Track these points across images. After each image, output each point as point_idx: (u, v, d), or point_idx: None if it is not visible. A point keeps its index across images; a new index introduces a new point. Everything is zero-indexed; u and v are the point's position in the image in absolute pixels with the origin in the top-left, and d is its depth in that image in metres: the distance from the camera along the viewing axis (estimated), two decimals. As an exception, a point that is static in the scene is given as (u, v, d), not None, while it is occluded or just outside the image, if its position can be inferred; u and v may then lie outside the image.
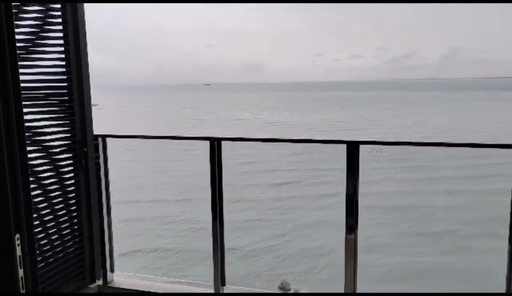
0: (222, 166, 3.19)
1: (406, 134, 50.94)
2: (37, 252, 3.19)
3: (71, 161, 3.48)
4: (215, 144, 3.06)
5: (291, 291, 16.28)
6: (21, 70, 2.23)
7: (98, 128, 3.99)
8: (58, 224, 3.42)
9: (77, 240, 3.61)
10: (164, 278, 4.49)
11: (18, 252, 1.87)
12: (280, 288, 16.93)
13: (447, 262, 16.21)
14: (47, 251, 3.30)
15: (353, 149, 2.80)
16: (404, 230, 19.05)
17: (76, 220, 3.57)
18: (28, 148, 3.04)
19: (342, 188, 3.07)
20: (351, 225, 3.00)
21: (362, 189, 3.13)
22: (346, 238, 2.94)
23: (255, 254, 18.51)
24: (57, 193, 3.39)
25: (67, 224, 3.51)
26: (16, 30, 3.12)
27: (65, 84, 3.42)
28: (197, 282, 4.31)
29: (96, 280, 4.08)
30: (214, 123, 71.02)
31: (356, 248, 2.98)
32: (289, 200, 23.97)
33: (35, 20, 3.36)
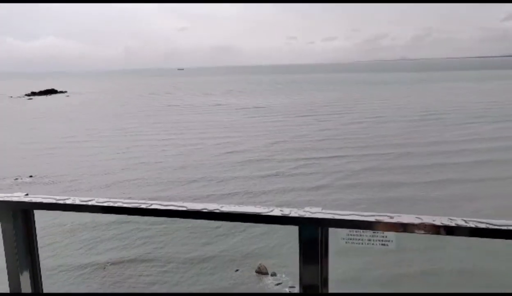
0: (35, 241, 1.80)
1: (392, 117, 49.67)
2: None
3: None
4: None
5: (269, 274, 15.59)
6: None
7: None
8: None
9: None
10: None
11: None
12: (257, 272, 16.13)
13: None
14: None
15: None
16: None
17: None
18: None
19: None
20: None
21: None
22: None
23: None
24: None
25: None
26: None
27: None
28: None
29: None
30: (189, 109, 68.19)
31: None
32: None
33: None
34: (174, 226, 19.81)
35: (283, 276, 15.82)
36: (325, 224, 1.40)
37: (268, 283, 15.42)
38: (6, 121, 63.18)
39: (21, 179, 30.42)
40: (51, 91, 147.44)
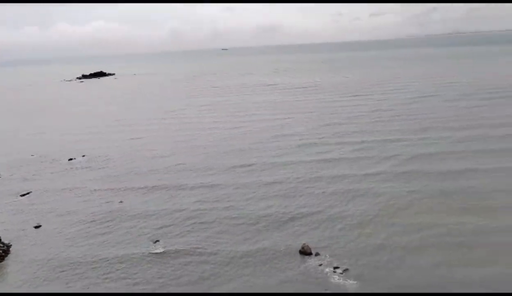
0: None
1: (454, 96, 46.46)
2: None
3: None
4: None
5: (313, 254, 14.76)
6: None
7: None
8: None
9: None
10: None
11: None
12: (301, 252, 15.51)
13: None
14: None
15: None
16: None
17: None
18: None
19: None
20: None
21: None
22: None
23: None
24: None
25: None
26: None
27: None
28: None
29: None
30: (234, 90, 67.23)
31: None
32: None
33: None
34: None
35: (327, 256, 15.32)
36: None
37: (311, 264, 14.85)
38: (62, 104, 65.10)
39: (75, 159, 30.80)
40: (100, 74, 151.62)
